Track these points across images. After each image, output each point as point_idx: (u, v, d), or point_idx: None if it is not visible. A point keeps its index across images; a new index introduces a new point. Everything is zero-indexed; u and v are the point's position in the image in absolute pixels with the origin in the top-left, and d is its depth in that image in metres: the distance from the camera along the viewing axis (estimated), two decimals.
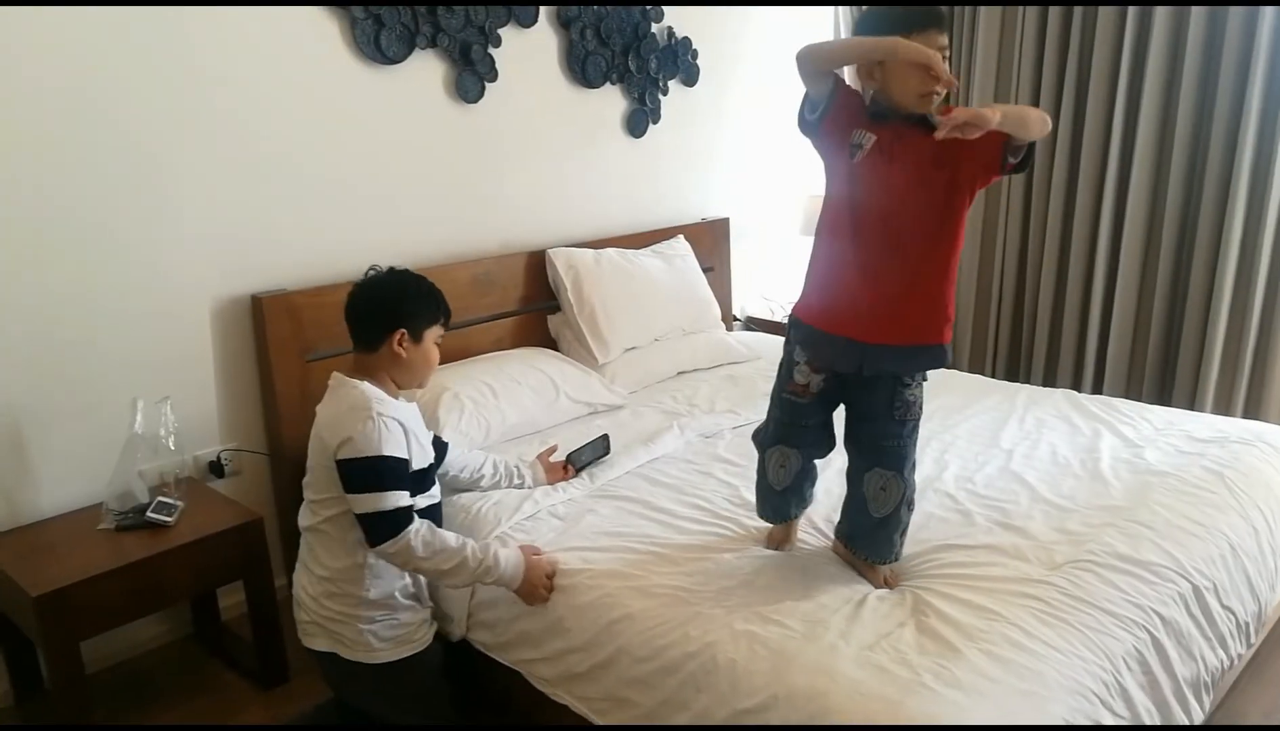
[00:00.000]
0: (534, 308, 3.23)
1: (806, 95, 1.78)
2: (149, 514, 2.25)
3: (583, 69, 3.29)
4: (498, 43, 3.01)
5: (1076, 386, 3.65)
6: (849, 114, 1.75)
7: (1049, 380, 3.76)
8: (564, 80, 3.29)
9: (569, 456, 2.43)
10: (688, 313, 3.42)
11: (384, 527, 1.82)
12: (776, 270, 4.28)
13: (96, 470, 2.34)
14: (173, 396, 2.40)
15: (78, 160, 2.28)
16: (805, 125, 1.81)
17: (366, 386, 1.88)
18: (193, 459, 2.57)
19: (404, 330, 1.90)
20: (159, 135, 2.39)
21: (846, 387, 1.89)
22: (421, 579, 2.04)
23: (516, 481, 2.35)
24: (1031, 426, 2.67)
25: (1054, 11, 3.54)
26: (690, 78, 3.71)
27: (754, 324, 4.18)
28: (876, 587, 1.90)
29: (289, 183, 2.65)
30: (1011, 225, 3.81)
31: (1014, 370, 3.93)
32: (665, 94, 3.62)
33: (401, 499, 1.83)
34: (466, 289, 3.02)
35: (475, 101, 3.01)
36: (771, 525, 2.06)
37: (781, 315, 4.18)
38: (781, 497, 2.00)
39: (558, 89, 3.28)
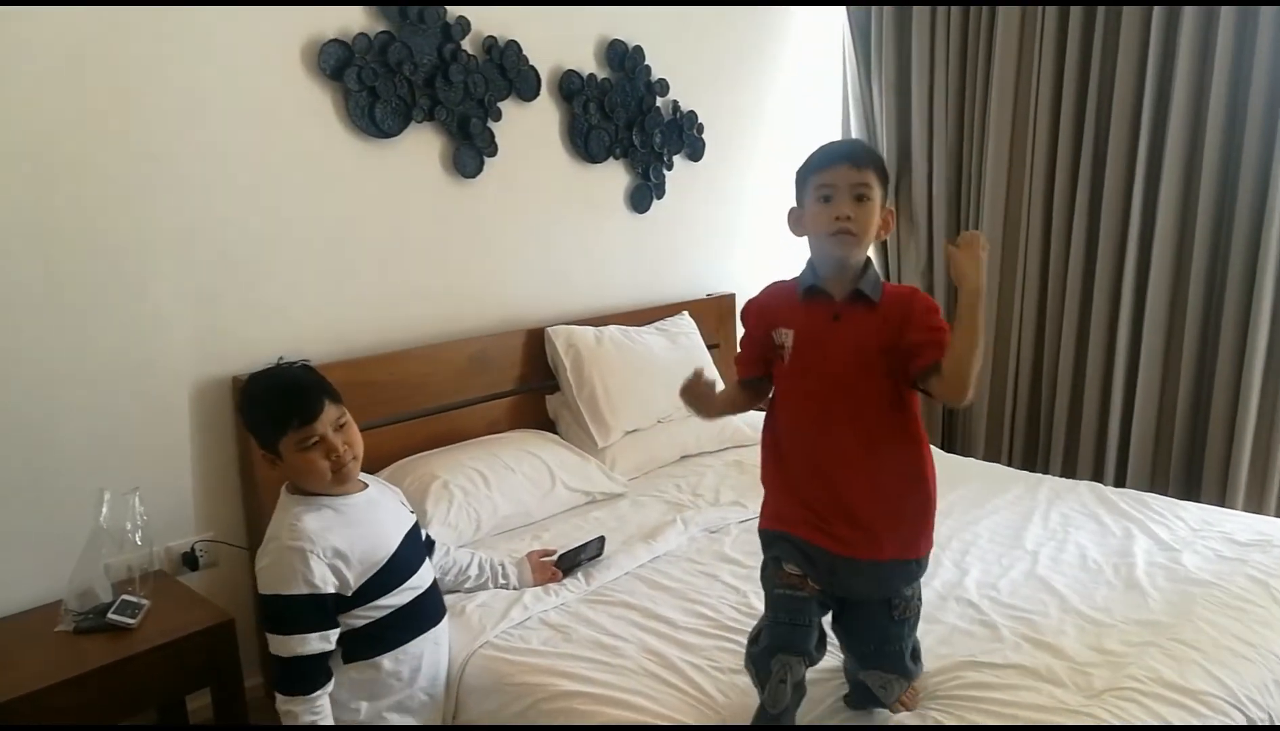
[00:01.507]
0: (531, 387, 3.10)
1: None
2: (110, 615, 2.08)
3: (585, 143, 3.21)
4: (498, 116, 2.92)
5: (1099, 474, 3.48)
6: (763, 332, 1.75)
7: (1069, 468, 3.59)
8: (566, 155, 3.20)
9: (559, 557, 2.27)
10: None
11: (288, 677, 1.72)
12: None
13: (57, 566, 2.17)
14: (146, 484, 2.25)
15: (40, 231, 2.15)
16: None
17: (292, 509, 1.78)
18: (165, 551, 2.41)
19: (263, 451, 1.79)
20: (135, 206, 2.28)
21: None
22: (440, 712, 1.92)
23: (501, 581, 2.20)
24: (1057, 524, 2.50)
25: (1075, 11, 3.39)
26: (695, 152, 3.62)
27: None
28: (894, 712, 1.73)
29: (276, 259, 2.53)
30: (1028, 305, 3.68)
31: (1032, 456, 3.76)
32: (670, 168, 3.54)
33: (306, 644, 1.71)
34: (462, 368, 2.89)
35: (474, 176, 2.91)
36: None
37: None
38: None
39: (559, 164, 3.19)
